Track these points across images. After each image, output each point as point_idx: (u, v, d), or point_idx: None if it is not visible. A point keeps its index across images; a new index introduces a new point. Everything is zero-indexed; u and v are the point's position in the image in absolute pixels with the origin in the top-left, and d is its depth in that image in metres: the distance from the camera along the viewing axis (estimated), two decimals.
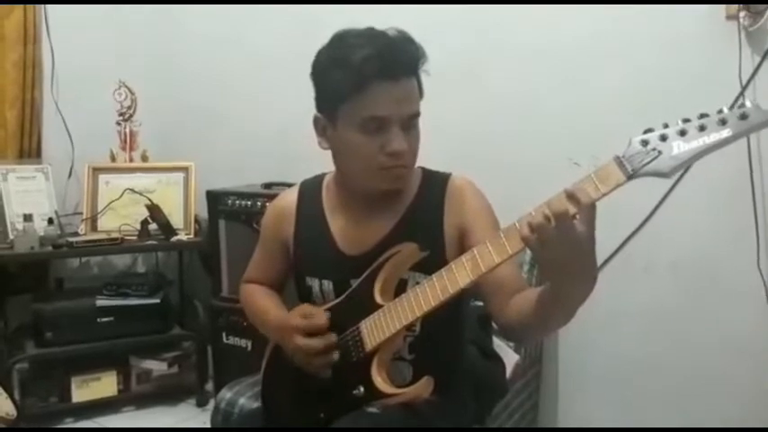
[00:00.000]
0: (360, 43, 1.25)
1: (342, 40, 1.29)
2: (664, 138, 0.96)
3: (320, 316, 1.31)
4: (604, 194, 0.99)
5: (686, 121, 0.95)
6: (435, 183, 1.40)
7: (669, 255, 2.14)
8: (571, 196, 0.98)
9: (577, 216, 0.97)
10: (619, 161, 0.98)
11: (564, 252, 0.99)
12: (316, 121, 1.36)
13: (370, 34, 1.28)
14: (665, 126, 0.96)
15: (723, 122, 0.92)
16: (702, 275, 2.08)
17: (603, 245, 2.17)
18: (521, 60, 2.31)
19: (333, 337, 1.28)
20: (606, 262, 2.20)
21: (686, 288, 2.11)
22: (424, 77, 1.32)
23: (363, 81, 1.23)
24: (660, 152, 0.95)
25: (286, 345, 1.35)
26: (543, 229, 0.98)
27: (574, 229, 0.97)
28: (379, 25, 1.30)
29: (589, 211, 0.98)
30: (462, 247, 1.30)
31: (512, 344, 2.14)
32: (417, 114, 1.30)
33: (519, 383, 2.11)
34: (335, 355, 1.28)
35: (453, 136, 2.35)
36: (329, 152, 1.37)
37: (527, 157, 2.30)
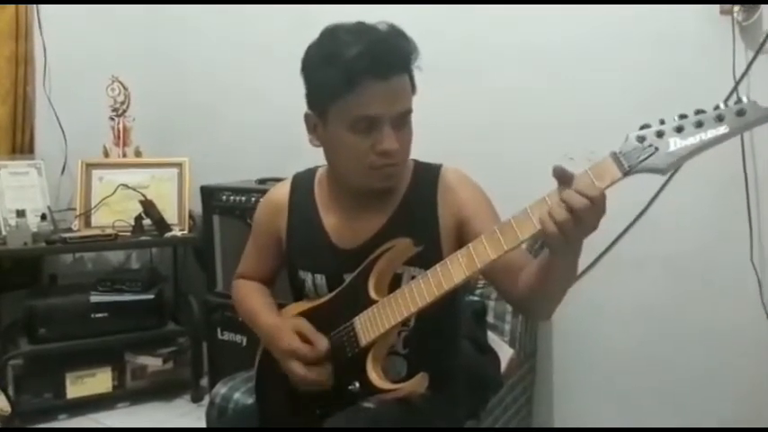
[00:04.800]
0: (350, 40, 1.22)
1: (332, 36, 1.26)
2: (660, 134, 0.95)
3: (321, 344, 1.30)
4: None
5: (683, 117, 0.94)
6: (427, 175, 1.40)
7: (662, 250, 2.13)
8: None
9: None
10: (615, 157, 0.98)
11: (586, 231, 1.01)
12: (306, 118, 1.34)
13: (361, 30, 1.25)
14: (662, 122, 0.96)
15: (720, 119, 0.92)
16: (695, 270, 2.08)
17: (595, 241, 2.19)
18: (517, 57, 2.30)
19: (329, 368, 1.29)
20: (598, 258, 2.20)
21: (679, 283, 2.11)
22: (420, 74, 1.30)
23: (354, 80, 1.20)
24: (657, 148, 0.95)
25: (275, 353, 1.37)
26: (582, 211, 0.98)
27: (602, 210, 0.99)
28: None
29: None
30: (461, 238, 1.30)
31: (506, 338, 2.16)
32: (409, 111, 1.29)
33: (513, 378, 2.11)
34: (329, 382, 1.29)
35: (450, 132, 2.34)
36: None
37: (523, 153, 2.29)
